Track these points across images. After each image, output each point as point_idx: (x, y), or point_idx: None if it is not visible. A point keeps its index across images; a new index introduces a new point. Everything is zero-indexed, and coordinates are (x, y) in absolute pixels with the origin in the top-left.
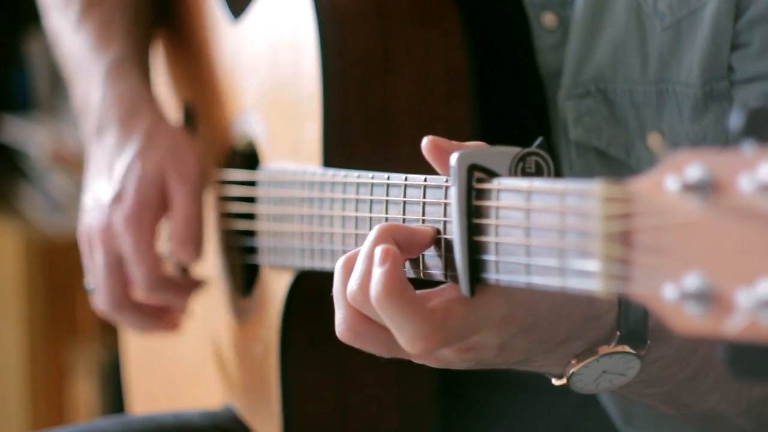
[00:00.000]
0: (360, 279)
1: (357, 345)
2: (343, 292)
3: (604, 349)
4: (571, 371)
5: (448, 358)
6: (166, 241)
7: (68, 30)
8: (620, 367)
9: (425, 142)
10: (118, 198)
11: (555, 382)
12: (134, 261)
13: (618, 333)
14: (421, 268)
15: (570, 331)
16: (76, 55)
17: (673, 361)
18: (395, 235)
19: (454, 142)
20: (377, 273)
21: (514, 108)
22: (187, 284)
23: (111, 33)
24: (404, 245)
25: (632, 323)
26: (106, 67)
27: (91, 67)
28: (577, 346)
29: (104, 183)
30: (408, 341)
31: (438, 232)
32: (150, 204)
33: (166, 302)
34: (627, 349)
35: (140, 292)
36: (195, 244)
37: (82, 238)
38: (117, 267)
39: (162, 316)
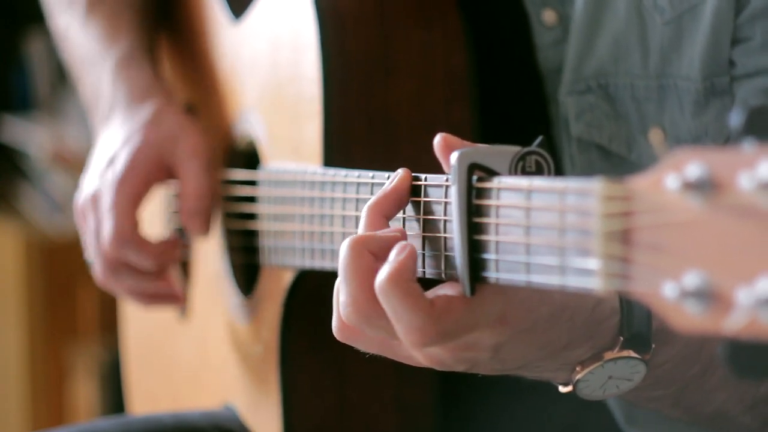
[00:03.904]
0: (346, 301)
1: (362, 326)
2: (354, 270)
3: (609, 355)
4: (576, 378)
5: (441, 356)
6: (169, 219)
7: (75, 26)
8: (626, 372)
9: (437, 139)
10: (110, 163)
11: (561, 389)
12: (104, 218)
13: (621, 338)
14: (421, 267)
15: (571, 337)
16: (84, 49)
17: (680, 361)
18: (369, 246)
19: (465, 142)
20: (390, 262)
21: (515, 105)
22: (159, 249)
23: (120, 25)
24: (380, 253)
25: (635, 327)
26: (116, 59)
27: (101, 59)
28: (581, 352)
29: (103, 155)
30: (405, 331)
31: (403, 233)
32: (141, 169)
33: (135, 262)
34: (631, 354)
35: (107, 250)
36: (205, 217)
37: (77, 211)
38: None
39: (161, 285)
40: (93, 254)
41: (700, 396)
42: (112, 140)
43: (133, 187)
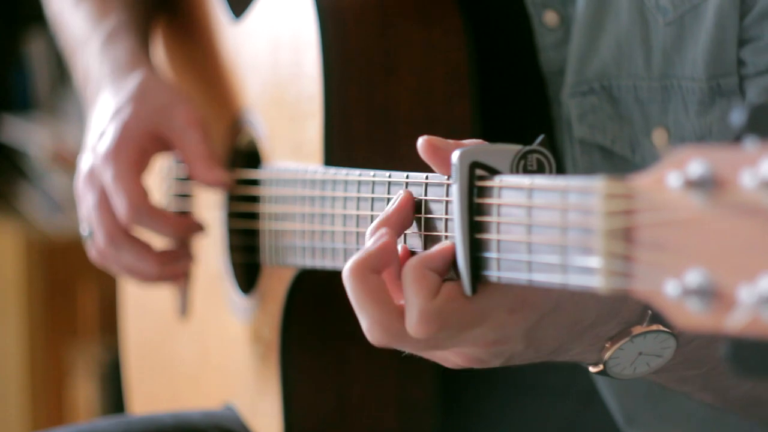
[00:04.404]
0: (370, 327)
1: (394, 343)
2: (365, 294)
3: (638, 329)
4: (606, 355)
5: (477, 354)
6: (167, 190)
7: (68, 9)
8: (656, 347)
9: (420, 141)
10: (101, 137)
11: (592, 369)
12: (113, 190)
13: (650, 312)
14: None
15: (599, 312)
16: (76, 31)
17: (709, 339)
18: (369, 265)
19: (450, 141)
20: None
21: (517, 106)
22: (177, 219)
23: (108, 4)
24: (380, 267)
25: None
26: (103, 36)
27: (90, 39)
28: (609, 328)
29: (95, 132)
30: (410, 319)
31: (390, 235)
32: (133, 139)
33: (155, 230)
34: (660, 327)
35: (124, 222)
36: (221, 168)
37: (77, 191)
38: (107, 203)
39: (164, 259)
40: (95, 227)
41: (730, 378)
42: (102, 115)
43: (129, 157)
